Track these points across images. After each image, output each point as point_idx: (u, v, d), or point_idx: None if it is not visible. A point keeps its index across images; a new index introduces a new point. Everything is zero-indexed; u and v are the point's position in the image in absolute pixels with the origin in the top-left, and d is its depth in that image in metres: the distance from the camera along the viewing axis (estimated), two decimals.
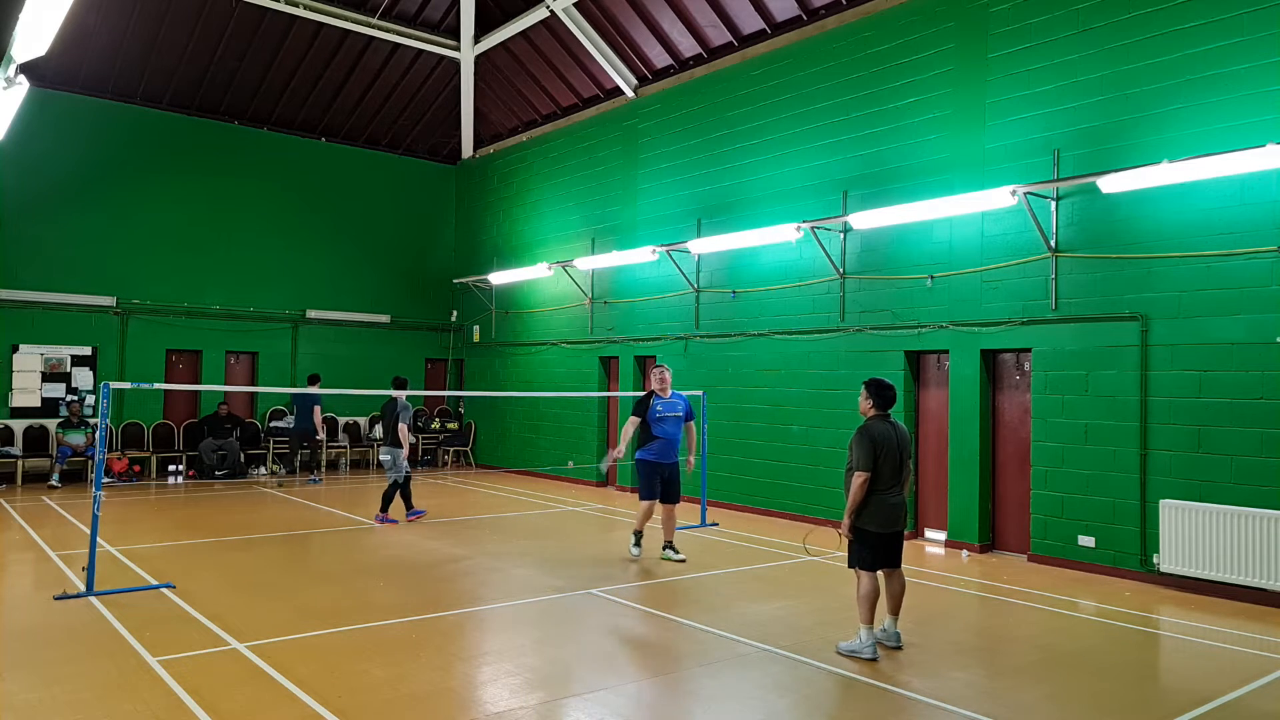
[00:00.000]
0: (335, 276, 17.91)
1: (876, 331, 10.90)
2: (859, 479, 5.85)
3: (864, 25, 11.26)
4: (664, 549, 9.06)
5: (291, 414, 13.52)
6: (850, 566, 6.10)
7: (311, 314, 17.53)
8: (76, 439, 14.53)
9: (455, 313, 19.27)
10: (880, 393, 6.08)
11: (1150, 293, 8.54)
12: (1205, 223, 8.19)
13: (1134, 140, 8.68)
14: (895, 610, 6.17)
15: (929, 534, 10.52)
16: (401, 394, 11.20)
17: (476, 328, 18.62)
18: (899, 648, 6.09)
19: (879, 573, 6.07)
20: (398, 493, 11.12)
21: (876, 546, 5.97)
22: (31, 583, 7.70)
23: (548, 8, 14.99)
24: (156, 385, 9.13)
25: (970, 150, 10.03)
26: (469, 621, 6.87)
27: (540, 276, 16.16)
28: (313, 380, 14.89)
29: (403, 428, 10.92)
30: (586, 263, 15.06)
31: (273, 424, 16.62)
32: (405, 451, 10.99)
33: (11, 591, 7.45)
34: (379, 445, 11.43)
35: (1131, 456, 8.56)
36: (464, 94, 18.24)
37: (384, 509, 11.06)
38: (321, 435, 15.12)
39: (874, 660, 5.83)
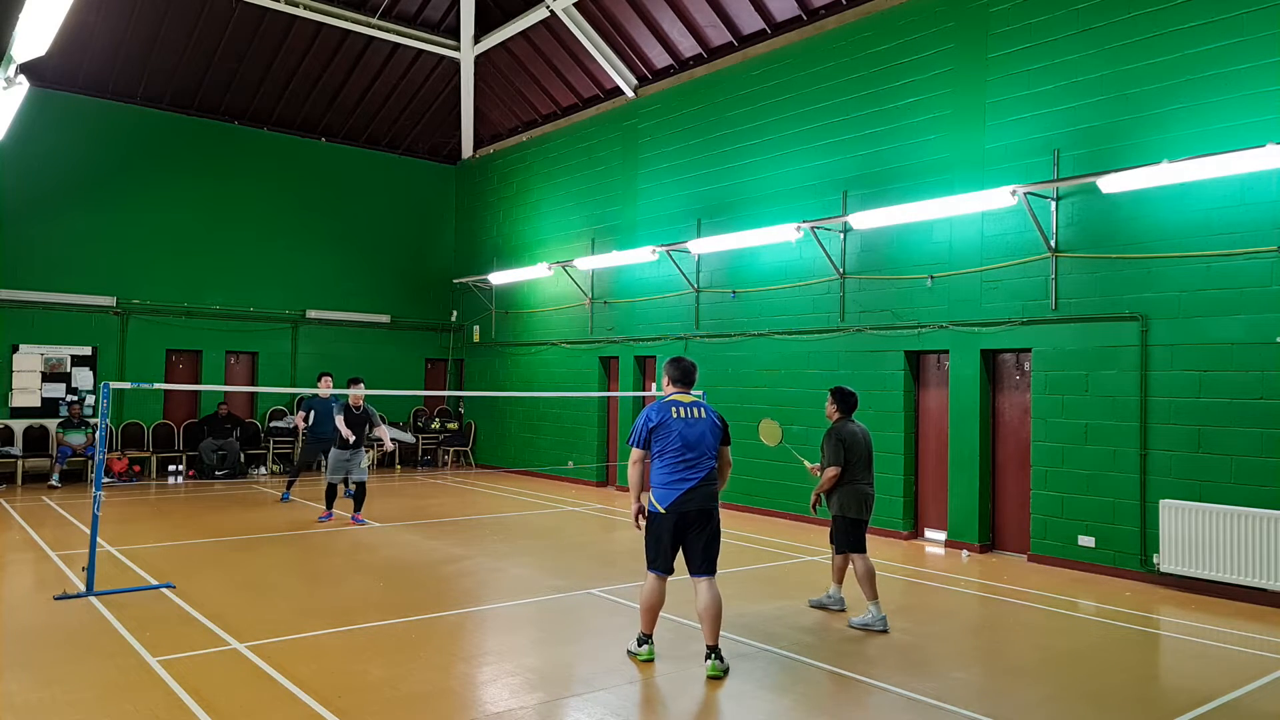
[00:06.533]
0: (335, 276, 17.91)
1: (876, 331, 10.90)
2: (830, 473, 6.84)
3: (864, 25, 11.26)
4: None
5: (304, 419, 12.80)
6: (844, 551, 6.93)
7: (311, 314, 17.53)
8: (76, 439, 14.53)
9: (455, 313, 19.27)
10: (844, 399, 7.05)
11: (1150, 293, 8.54)
12: (1205, 223, 8.19)
13: (1134, 140, 8.68)
14: (842, 580, 7.17)
15: (929, 534, 10.52)
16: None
17: (476, 328, 18.62)
18: (844, 610, 7.07)
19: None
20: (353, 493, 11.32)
21: (858, 529, 6.90)
22: (31, 583, 7.70)
23: (548, 8, 14.99)
24: (156, 385, 9.13)
25: (970, 150, 10.03)
26: (469, 621, 6.87)
27: (540, 276, 16.16)
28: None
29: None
30: (586, 263, 15.06)
31: (273, 424, 16.63)
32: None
33: (11, 591, 7.45)
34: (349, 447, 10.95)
35: (1131, 456, 8.56)
36: (464, 94, 18.24)
37: (357, 508, 11.23)
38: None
39: (885, 632, 6.51)
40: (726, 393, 12.58)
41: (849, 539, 6.88)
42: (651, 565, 5.77)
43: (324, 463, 15.29)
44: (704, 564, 5.69)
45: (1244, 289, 7.92)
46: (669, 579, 5.80)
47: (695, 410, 5.81)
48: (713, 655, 5.58)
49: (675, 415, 5.74)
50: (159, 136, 16.11)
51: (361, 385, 11.30)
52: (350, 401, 11.05)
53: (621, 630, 6.43)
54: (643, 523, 5.83)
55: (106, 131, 15.58)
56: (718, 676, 5.51)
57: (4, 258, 14.52)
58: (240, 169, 16.91)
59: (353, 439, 10.86)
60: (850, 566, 6.95)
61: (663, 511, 5.66)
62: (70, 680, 5.22)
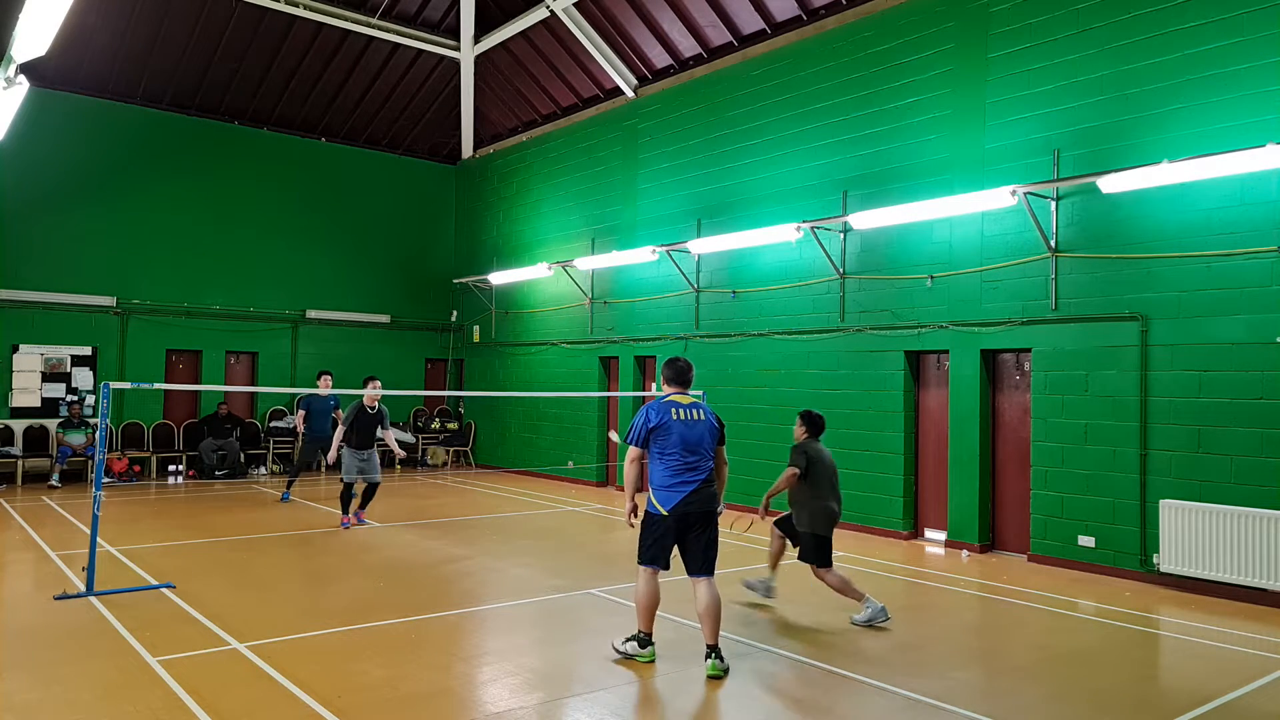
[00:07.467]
0: (335, 276, 17.91)
1: (876, 331, 10.90)
2: (790, 473, 6.98)
3: (864, 25, 11.26)
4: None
5: (301, 419, 12.79)
6: (822, 566, 6.98)
7: (311, 314, 17.53)
8: (76, 439, 14.53)
9: (455, 313, 19.27)
10: (813, 422, 7.27)
11: (1150, 293, 8.54)
12: (1205, 223, 8.19)
13: (1134, 140, 8.68)
14: (776, 565, 7.53)
15: (929, 534, 10.52)
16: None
17: (476, 328, 18.62)
18: (772, 596, 7.46)
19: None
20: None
21: (827, 545, 7.04)
22: (31, 583, 7.70)
23: (548, 8, 14.99)
24: (156, 385, 9.13)
25: (970, 150, 10.03)
26: (469, 621, 6.87)
27: (540, 276, 16.16)
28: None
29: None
30: (586, 263, 15.06)
31: (273, 424, 16.63)
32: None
33: (11, 591, 7.45)
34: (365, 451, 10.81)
35: (1131, 456, 8.56)
36: (464, 94, 18.24)
37: (362, 505, 11.04)
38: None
39: (888, 620, 6.69)
40: (726, 393, 12.58)
41: (818, 554, 7.01)
42: (647, 561, 5.74)
43: (324, 462, 15.28)
44: (704, 565, 5.71)
45: (1244, 289, 7.92)
46: (662, 579, 5.81)
47: (694, 412, 5.82)
48: (713, 654, 5.58)
49: (675, 417, 5.74)
50: (159, 136, 16.11)
51: (378, 384, 10.98)
52: (365, 402, 10.81)
53: (622, 630, 6.42)
54: (634, 521, 5.86)
55: (106, 131, 15.58)
56: (718, 676, 5.51)
57: (4, 258, 14.51)
58: (240, 169, 16.91)
59: (333, 454, 10.77)
60: (823, 582, 7.03)
61: (665, 514, 5.67)
62: (70, 680, 5.22)
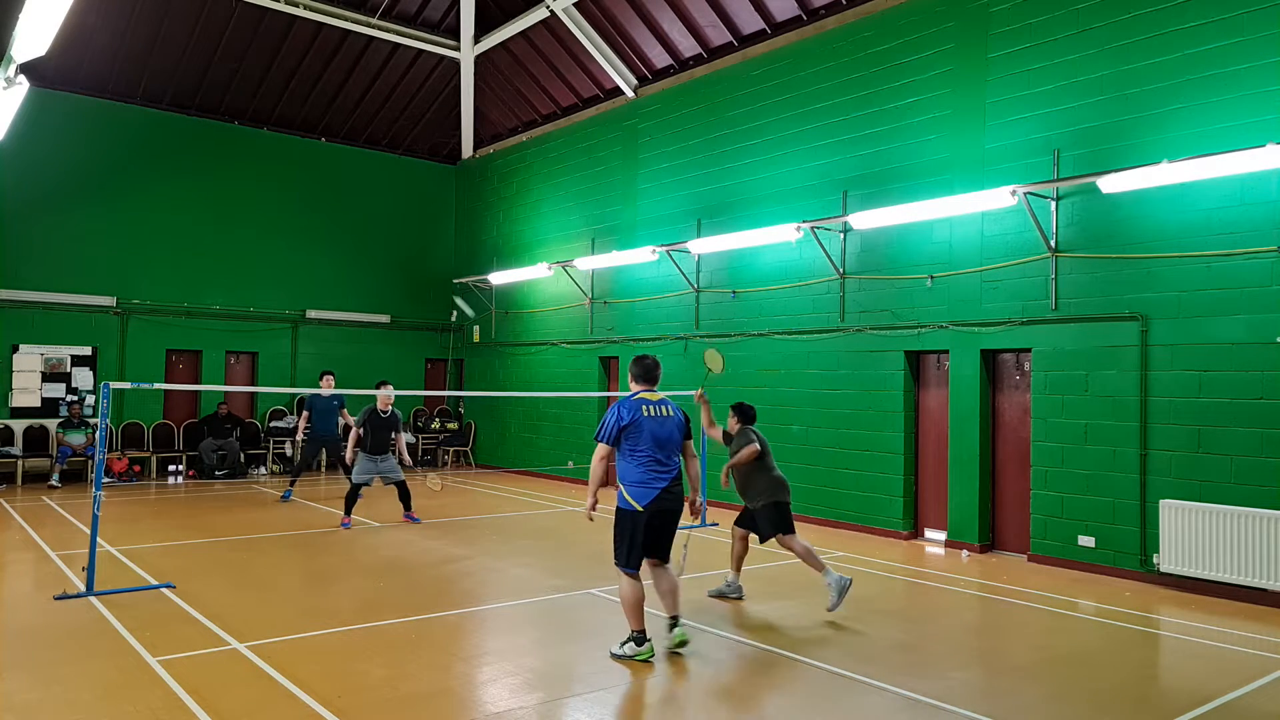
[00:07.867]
0: (335, 276, 17.91)
1: (876, 331, 10.90)
2: (752, 449, 7.27)
3: (864, 25, 11.26)
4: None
5: (305, 419, 12.82)
6: (787, 534, 7.15)
7: (311, 314, 17.52)
8: (76, 439, 14.53)
9: (455, 313, 19.26)
10: (744, 412, 7.60)
11: (1150, 293, 8.54)
12: (1205, 223, 8.19)
13: (1134, 140, 8.68)
14: (740, 568, 7.70)
15: (929, 534, 10.52)
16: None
17: (476, 328, 18.61)
18: (741, 598, 7.52)
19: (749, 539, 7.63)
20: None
21: (785, 510, 7.26)
22: (31, 583, 7.70)
23: (548, 8, 14.99)
24: (156, 385, 9.14)
25: (970, 150, 10.03)
26: (469, 621, 6.87)
27: (540, 276, 16.16)
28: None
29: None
30: (586, 263, 15.06)
31: (273, 424, 16.62)
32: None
33: (11, 591, 7.45)
34: (381, 457, 10.88)
35: (1131, 456, 8.56)
36: (464, 94, 18.24)
37: (407, 506, 11.17)
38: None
39: (850, 582, 6.86)
40: (726, 393, 12.53)
41: (778, 522, 7.20)
42: (623, 563, 5.95)
43: (324, 461, 15.28)
44: (663, 554, 6.05)
45: (1244, 289, 7.92)
46: (648, 580, 6.03)
47: (664, 409, 5.99)
48: (676, 624, 5.95)
49: (646, 414, 5.90)
50: (159, 136, 16.11)
51: (390, 388, 11.07)
52: (379, 405, 10.85)
53: (622, 630, 6.42)
54: (594, 515, 6.11)
55: (106, 131, 15.57)
56: (685, 642, 5.86)
57: (4, 258, 14.51)
58: (240, 169, 16.91)
59: (349, 454, 10.90)
60: (790, 550, 7.24)
61: (639, 509, 5.85)
62: (70, 680, 5.22)
